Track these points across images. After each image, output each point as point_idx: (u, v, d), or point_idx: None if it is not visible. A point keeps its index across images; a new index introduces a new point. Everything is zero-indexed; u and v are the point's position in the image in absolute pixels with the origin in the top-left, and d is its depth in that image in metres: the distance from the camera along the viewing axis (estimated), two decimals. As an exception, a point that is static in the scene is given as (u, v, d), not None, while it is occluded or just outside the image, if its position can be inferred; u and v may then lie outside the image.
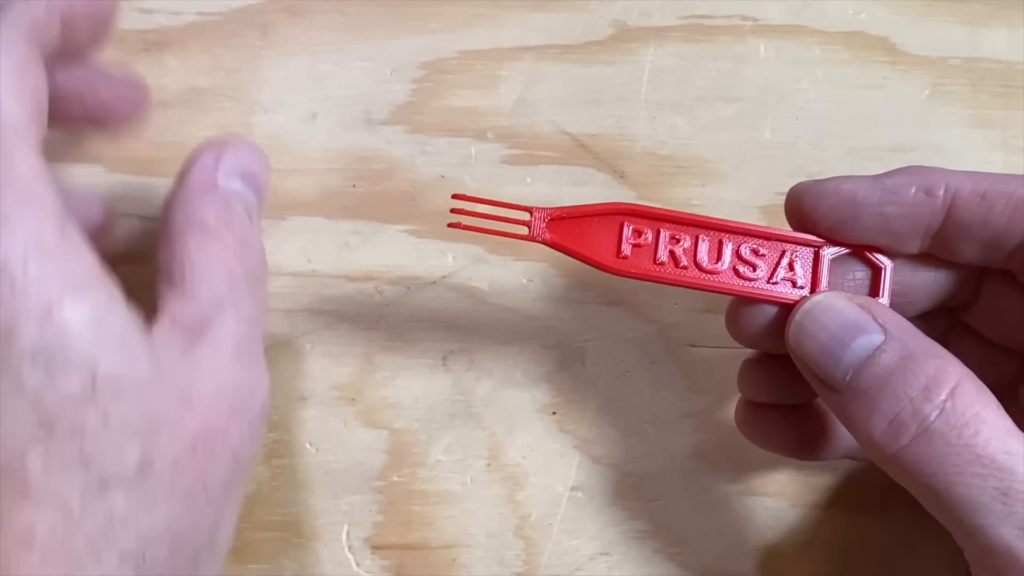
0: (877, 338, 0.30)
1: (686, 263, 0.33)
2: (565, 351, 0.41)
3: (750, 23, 0.42)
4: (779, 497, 0.40)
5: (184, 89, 0.40)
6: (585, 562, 0.40)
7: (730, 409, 0.39)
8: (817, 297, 0.32)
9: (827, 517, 0.40)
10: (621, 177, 0.41)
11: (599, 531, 0.40)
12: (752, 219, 0.42)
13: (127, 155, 0.40)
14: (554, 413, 0.40)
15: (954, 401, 0.28)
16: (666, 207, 0.33)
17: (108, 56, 0.40)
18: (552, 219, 0.32)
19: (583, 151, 0.41)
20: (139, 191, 0.40)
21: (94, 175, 0.40)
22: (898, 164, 0.42)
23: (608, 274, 0.32)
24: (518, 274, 0.41)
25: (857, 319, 0.30)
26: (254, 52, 0.41)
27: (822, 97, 0.42)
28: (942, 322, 0.36)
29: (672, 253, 0.33)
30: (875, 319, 0.30)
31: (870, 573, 0.40)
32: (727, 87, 0.42)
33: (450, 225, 0.31)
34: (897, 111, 0.43)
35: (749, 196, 0.42)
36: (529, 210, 0.32)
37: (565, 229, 0.32)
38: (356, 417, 0.40)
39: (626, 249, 0.33)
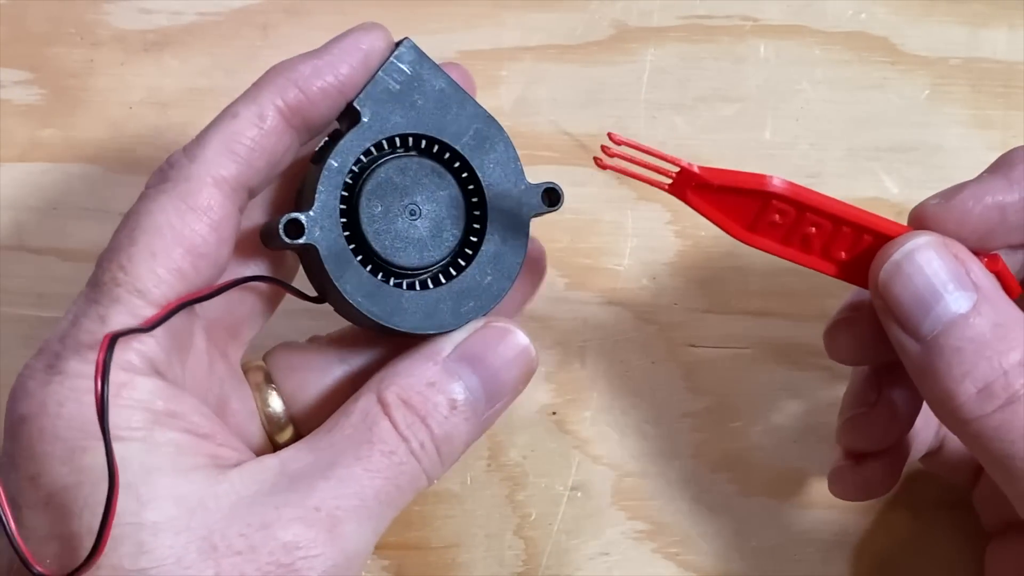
0: (971, 296, 0.30)
1: (816, 248, 0.33)
2: (565, 351, 0.41)
3: (750, 23, 0.42)
4: (779, 497, 0.40)
5: (184, 89, 0.40)
6: (585, 562, 0.40)
7: (730, 409, 0.39)
8: (919, 238, 0.31)
9: (826, 517, 0.40)
10: (621, 177, 0.41)
11: (599, 531, 0.40)
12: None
13: (127, 155, 0.40)
14: (554, 413, 0.40)
15: None
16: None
17: (108, 56, 0.40)
18: (697, 185, 0.32)
19: (583, 151, 0.41)
20: (139, 191, 0.40)
21: (94, 175, 0.40)
22: (898, 164, 0.43)
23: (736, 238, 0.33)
24: (518, 274, 0.41)
25: (955, 272, 0.30)
26: (254, 52, 0.41)
27: (822, 97, 0.42)
28: None
29: (805, 237, 0.33)
30: (969, 275, 0.30)
31: (870, 572, 0.40)
32: (727, 87, 0.42)
33: (595, 160, 0.32)
34: (897, 111, 0.42)
35: (749, 196, 0.42)
36: (677, 164, 0.32)
37: (706, 192, 0.32)
38: (356, 417, 0.40)
39: (760, 225, 0.32)
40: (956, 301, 0.29)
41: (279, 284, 0.33)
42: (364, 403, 0.30)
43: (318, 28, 0.41)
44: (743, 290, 0.42)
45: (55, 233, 0.40)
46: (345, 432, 0.30)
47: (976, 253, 0.31)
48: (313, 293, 0.33)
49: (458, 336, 0.32)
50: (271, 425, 0.33)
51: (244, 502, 0.28)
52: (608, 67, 0.42)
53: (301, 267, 0.33)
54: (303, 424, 0.33)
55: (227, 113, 0.30)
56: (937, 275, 0.30)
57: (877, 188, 0.42)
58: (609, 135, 0.31)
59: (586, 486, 0.40)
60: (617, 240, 0.41)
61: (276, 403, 0.33)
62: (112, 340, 0.27)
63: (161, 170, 0.30)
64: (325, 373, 0.34)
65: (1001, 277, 0.31)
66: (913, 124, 0.43)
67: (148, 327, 0.28)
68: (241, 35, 0.41)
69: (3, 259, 0.40)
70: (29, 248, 0.40)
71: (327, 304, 0.33)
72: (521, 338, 0.32)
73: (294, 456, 0.29)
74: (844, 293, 0.43)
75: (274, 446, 0.33)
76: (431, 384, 0.31)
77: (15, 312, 0.40)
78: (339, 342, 0.35)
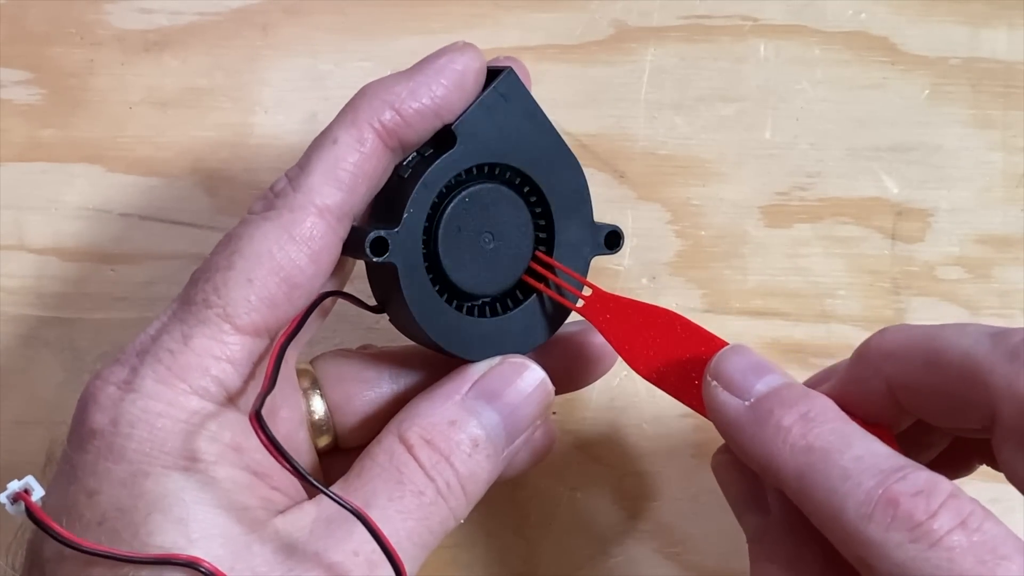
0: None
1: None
2: (565, 351, 0.40)
3: (750, 23, 0.42)
4: (779, 497, 0.40)
5: (184, 89, 0.40)
6: (585, 562, 0.40)
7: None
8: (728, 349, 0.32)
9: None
10: (621, 177, 0.41)
11: (599, 531, 0.40)
12: (751, 219, 0.42)
13: (127, 155, 0.40)
14: (554, 413, 0.40)
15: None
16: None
17: (108, 56, 0.40)
18: (602, 311, 0.33)
19: (583, 151, 0.41)
20: (139, 191, 0.40)
21: (94, 175, 0.40)
22: (898, 164, 0.43)
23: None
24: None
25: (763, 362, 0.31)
26: (254, 52, 0.41)
27: (822, 97, 0.42)
28: None
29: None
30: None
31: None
32: (727, 87, 0.42)
33: (523, 278, 0.33)
34: (897, 111, 0.43)
35: (749, 196, 0.42)
36: (593, 288, 0.33)
37: (611, 315, 0.33)
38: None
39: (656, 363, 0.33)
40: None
41: (350, 299, 0.33)
42: (388, 444, 0.31)
43: (318, 28, 0.41)
44: (743, 290, 0.42)
45: (55, 233, 0.40)
46: (374, 473, 0.30)
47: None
48: (371, 302, 0.33)
49: (475, 373, 0.32)
50: (313, 430, 0.33)
51: (286, 548, 0.28)
52: (608, 67, 0.42)
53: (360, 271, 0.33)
54: (344, 435, 0.34)
55: (327, 139, 0.31)
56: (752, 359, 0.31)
57: (877, 188, 0.43)
58: (536, 253, 0.33)
59: (586, 487, 0.40)
60: (617, 240, 0.41)
61: (320, 409, 0.33)
62: (259, 418, 0.27)
63: (266, 197, 0.31)
64: (373, 388, 0.34)
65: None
66: (913, 124, 0.43)
67: (267, 387, 0.28)
68: (241, 35, 0.41)
69: (3, 259, 0.40)
70: (29, 248, 0.40)
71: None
72: (538, 372, 0.33)
73: (330, 501, 0.29)
74: (844, 294, 0.43)
75: (316, 450, 0.33)
76: (452, 423, 0.31)
77: (15, 312, 0.40)
78: (391, 358, 0.35)
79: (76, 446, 0.28)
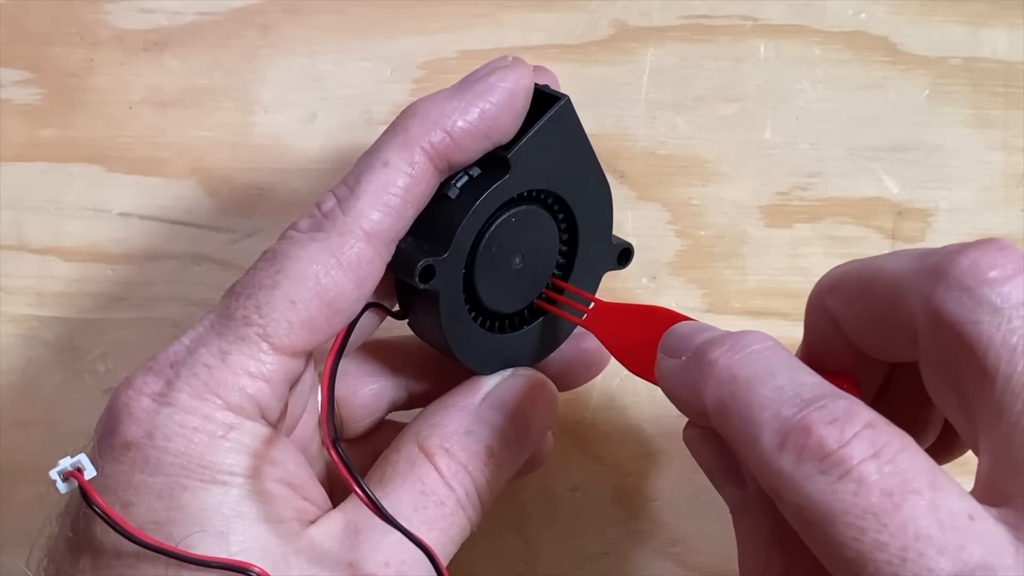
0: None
1: None
2: (565, 351, 0.41)
3: (750, 23, 0.42)
4: (779, 497, 0.40)
5: (184, 89, 0.40)
6: (585, 562, 0.40)
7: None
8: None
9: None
10: (621, 177, 0.41)
11: (599, 531, 0.40)
12: (751, 219, 0.42)
13: (127, 155, 0.40)
14: (554, 413, 0.40)
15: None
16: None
17: (108, 56, 0.40)
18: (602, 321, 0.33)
19: (583, 151, 0.41)
20: (139, 191, 0.40)
21: (94, 175, 0.40)
22: (898, 164, 0.43)
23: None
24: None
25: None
26: (254, 52, 0.41)
27: (822, 97, 0.42)
28: None
29: None
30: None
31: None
32: (727, 87, 0.42)
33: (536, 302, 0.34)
34: (897, 111, 0.43)
35: (749, 196, 0.42)
36: (594, 300, 0.34)
37: (611, 323, 0.33)
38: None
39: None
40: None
41: (383, 310, 0.33)
42: (408, 452, 0.31)
43: (318, 28, 0.41)
44: (743, 290, 0.42)
45: (55, 233, 0.40)
46: (396, 483, 0.30)
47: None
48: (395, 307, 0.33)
49: (488, 384, 0.33)
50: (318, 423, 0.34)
51: (320, 559, 0.28)
52: (608, 67, 0.42)
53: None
54: (347, 426, 0.34)
55: (377, 160, 0.30)
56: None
57: (877, 188, 0.43)
58: (553, 280, 0.34)
59: (586, 486, 0.40)
60: (617, 240, 0.41)
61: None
62: (336, 446, 0.28)
63: (312, 216, 0.30)
64: (376, 381, 0.35)
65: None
66: (913, 124, 0.43)
67: (329, 412, 0.28)
68: (241, 35, 0.41)
69: (3, 259, 0.40)
70: (29, 248, 0.40)
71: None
72: (548, 385, 0.33)
73: (356, 508, 0.29)
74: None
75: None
76: (469, 433, 0.31)
77: (15, 312, 0.40)
78: (392, 350, 0.35)
79: (108, 456, 0.28)
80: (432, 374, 0.35)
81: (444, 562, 0.30)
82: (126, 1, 0.40)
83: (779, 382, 0.26)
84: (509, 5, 0.42)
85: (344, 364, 0.34)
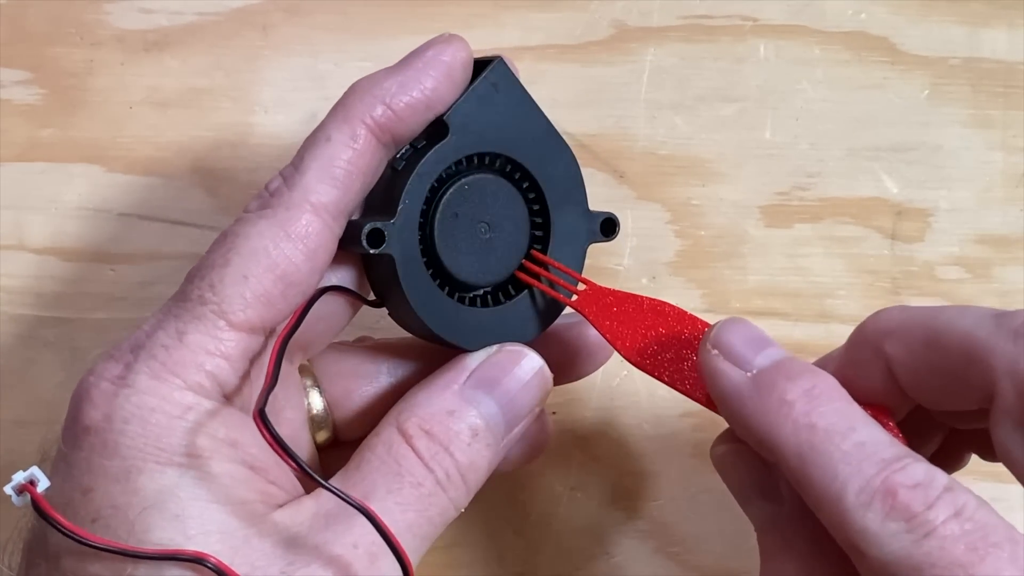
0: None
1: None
2: (565, 351, 0.41)
3: (750, 23, 0.42)
4: (779, 497, 0.40)
5: (184, 89, 0.40)
6: (585, 562, 0.40)
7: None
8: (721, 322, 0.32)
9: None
10: (621, 177, 0.41)
11: (599, 531, 0.40)
12: (751, 219, 0.42)
13: (127, 155, 0.40)
14: (554, 413, 0.40)
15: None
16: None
17: (108, 56, 0.40)
18: (595, 305, 0.33)
19: (583, 151, 0.41)
20: (139, 191, 0.40)
21: (94, 175, 0.40)
22: (898, 164, 0.43)
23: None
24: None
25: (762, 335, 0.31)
26: (254, 52, 0.41)
27: (822, 97, 0.42)
28: None
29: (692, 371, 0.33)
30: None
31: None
32: (727, 87, 0.42)
33: (516, 274, 0.33)
34: (897, 111, 0.43)
35: (749, 196, 0.42)
36: (586, 282, 0.33)
37: (604, 307, 0.33)
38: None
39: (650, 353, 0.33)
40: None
41: (350, 294, 0.33)
42: (386, 436, 0.31)
43: (318, 28, 0.41)
44: (743, 290, 0.42)
45: (55, 233, 0.40)
46: (373, 466, 0.30)
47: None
48: (370, 297, 0.33)
49: (473, 362, 0.32)
50: (312, 425, 0.33)
51: (285, 542, 0.28)
52: (608, 67, 0.42)
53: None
54: (343, 428, 0.34)
55: (320, 136, 0.30)
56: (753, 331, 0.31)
57: (877, 188, 0.43)
58: (533, 253, 0.33)
59: (586, 486, 0.40)
60: (617, 240, 0.41)
61: (319, 405, 0.33)
62: (262, 416, 0.27)
63: (261, 196, 0.31)
64: (372, 383, 0.34)
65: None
66: (913, 124, 0.43)
67: (270, 384, 0.28)
68: (241, 35, 0.41)
69: (3, 259, 0.40)
70: (29, 248, 0.40)
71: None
72: (535, 359, 0.33)
73: (330, 496, 0.29)
74: (844, 294, 0.43)
75: (315, 445, 0.34)
76: (451, 412, 0.31)
77: (15, 312, 0.40)
78: (388, 351, 0.35)
79: (70, 443, 0.28)
80: (429, 372, 0.35)
81: (427, 543, 0.30)
82: (126, 1, 0.40)
83: (859, 437, 0.28)
84: (509, 5, 0.42)
85: (340, 366, 0.34)
